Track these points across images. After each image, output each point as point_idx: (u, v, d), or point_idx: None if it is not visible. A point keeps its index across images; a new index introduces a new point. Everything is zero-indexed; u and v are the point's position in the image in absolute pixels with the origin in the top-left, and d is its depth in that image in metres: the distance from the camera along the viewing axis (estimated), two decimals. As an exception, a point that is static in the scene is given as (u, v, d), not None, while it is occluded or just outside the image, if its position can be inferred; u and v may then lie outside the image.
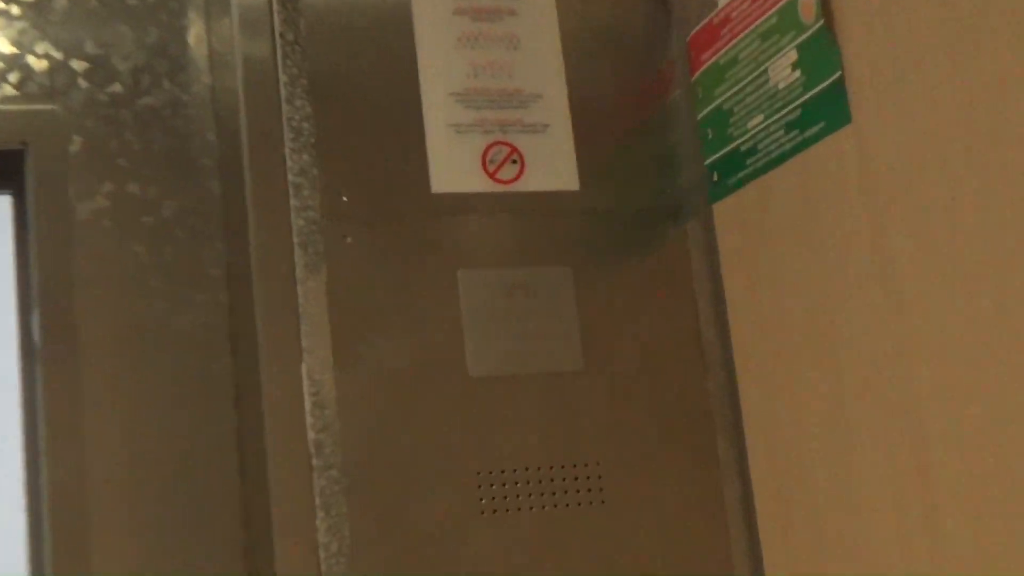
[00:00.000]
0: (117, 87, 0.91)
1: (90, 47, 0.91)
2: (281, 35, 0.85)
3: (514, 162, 0.88)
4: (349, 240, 0.83)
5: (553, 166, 0.89)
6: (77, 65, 0.90)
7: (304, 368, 0.80)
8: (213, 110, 0.95)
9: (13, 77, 0.89)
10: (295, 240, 0.82)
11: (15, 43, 0.89)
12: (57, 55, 0.90)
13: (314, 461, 0.79)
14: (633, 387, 0.87)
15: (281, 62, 0.84)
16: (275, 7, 0.85)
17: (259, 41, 0.85)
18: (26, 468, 0.86)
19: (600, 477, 0.84)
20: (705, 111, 0.89)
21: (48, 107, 0.89)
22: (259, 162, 0.84)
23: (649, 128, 0.94)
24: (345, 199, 0.84)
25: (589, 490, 0.84)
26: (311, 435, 0.79)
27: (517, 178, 0.88)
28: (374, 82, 0.86)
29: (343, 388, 0.80)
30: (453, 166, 0.86)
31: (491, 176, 0.87)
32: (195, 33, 0.95)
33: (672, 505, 0.85)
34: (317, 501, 0.78)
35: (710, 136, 0.88)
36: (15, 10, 0.90)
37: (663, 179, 0.93)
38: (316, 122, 0.84)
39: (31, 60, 0.90)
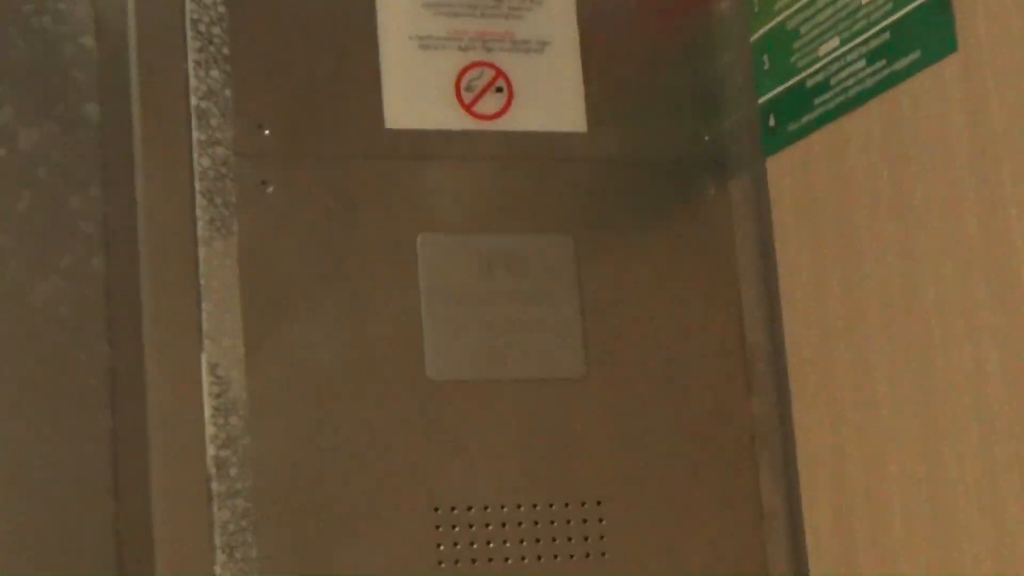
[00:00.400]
0: None
1: None
2: None
3: (499, 90, 0.93)
4: (271, 189, 0.87)
5: (552, 98, 0.94)
6: None
7: (204, 360, 0.84)
8: (91, 5, 1.01)
9: None
10: (197, 186, 0.86)
11: None
12: None
13: (214, 486, 0.82)
14: (650, 402, 0.91)
15: None
16: None
17: None
18: None
19: (602, 521, 0.88)
20: (761, 31, 0.93)
21: None
22: (152, 78, 0.88)
23: (684, 51, 0.99)
24: (267, 132, 0.88)
25: (586, 538, 0.87)
26: (211, 451, 0.82)
27: (503, 112, 0.93)
28: None
29: (256, 389, 0.84)
30: (416, 93, 0.92)
31: (467, 108, 0.92)
32: None
33: (697, 562, 0.88)
34: (217, 540, 0.81)
35: (767, 65, 0.92)
36: None
37: (700, 121, 0.97)
38: (231, 26, 0.88)
39: None
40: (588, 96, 0.94)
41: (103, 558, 0.94)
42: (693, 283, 0.94)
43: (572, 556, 0.86)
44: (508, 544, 0.86)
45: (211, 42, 0.87)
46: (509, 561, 0.86)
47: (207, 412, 0.83)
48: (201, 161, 0.86)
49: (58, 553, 0.94)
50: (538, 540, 0.87)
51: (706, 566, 0.88)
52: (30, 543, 0.94)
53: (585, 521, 0.88)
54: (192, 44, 0.87)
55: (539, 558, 0.86)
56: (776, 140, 0.91)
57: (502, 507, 0.87)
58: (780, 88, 0.90)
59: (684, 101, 0.97)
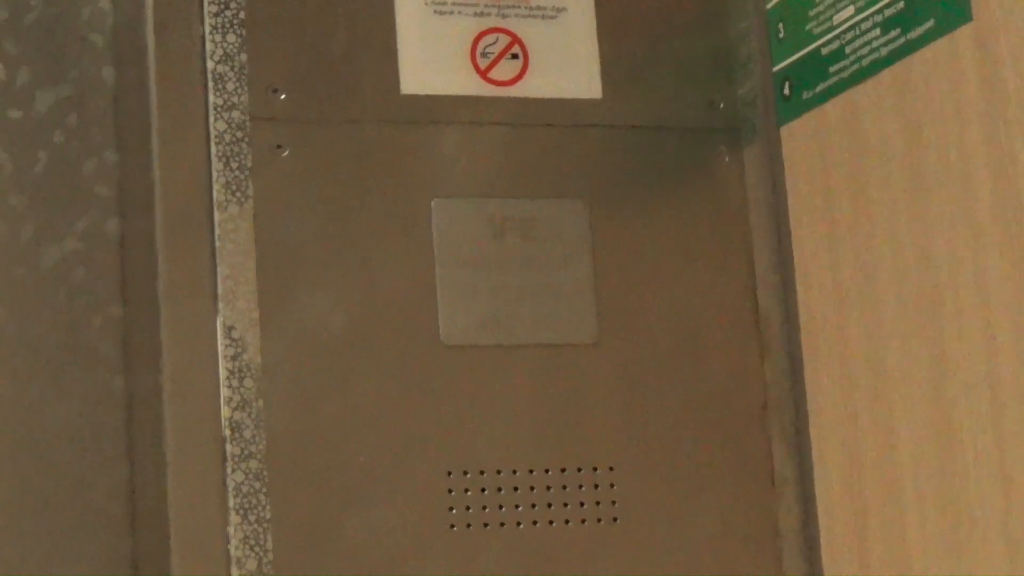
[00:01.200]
0: None
1: None
2: None
3: (514, 56, 0.95)
4: (286, 153, 0.89)
5: (567, 64, 0.96)
6: None
7: (219, 323, 0.86)
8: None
9: None
10: (213, 150, 0.88)
11: None
12: None
13: (229, 447, 0.84)
14: (662, 368, 0.93)
15: None
16: None
17: None
18: None
19: (613, 487, 0.90)
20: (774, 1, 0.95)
21: None
22: (168, 42, 0.90)
23: (699, 18, 1.01)
24: (282, 96, 0.90)
25: (598, 503, 0.89)
26: (226, 412, 0.84)
27: (518, 78, 0.95)
28: None
29: (271, 352, 0.86)
30: (431, 59, 0.94)
31: (483, 74, 0.95)
32: None
33: (708, 529, 0.90)
34: (231, 502, 0.83)
35: (781, 33, 0.94)
36: None
37: (715, 88, 0.99)
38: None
39: None
40: (603, 62, 0.95)
41: (117, 519, 0.96)
42: (706, 249, 0.96)
43: (584, 521, 0.88)
44: (520, 508, 0.88)
45: (227, 6, 0.89)
46: (521, 525, 0.88)
47: (222, 375, 0.85)
48: (216, 125, 0.88)
49: (72, 514, 0.96)
50: (549, 505, 0.89)
51: (717, 532, 0.90)
52: (44, 504, 0.96)
53: (596, 487, 0.90)
54: (208, 8, 0.89)
55: (550, 523, 0.88)
56: (791, 108, 0.92)
57: (514, 471, 0.89)
58: (795, 56, 0.91)
59: (699, 68, 0.99)
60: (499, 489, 0.89)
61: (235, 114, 0.89)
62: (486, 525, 0.89)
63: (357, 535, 0.86)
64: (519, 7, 0.97)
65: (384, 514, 0.87)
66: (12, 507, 0.98)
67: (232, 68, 0.90)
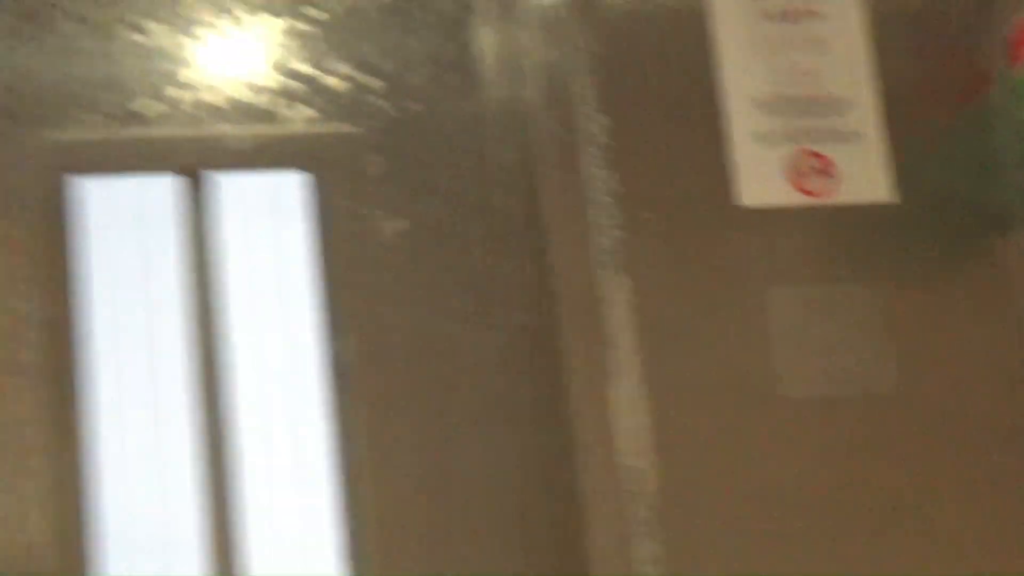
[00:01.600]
0: (412, 104, 1.26)
1: (385, 65, 1.26)
2: (581, 45, 1.13)
3: (823, 172, 1.11)
4: (653, 256, 1.09)
5: (865, 176, 1.12)
6: (373, 83, 1.26)
7: (614, 392, 1.06)
8: (509, 124, 1.26)
9: (311, 98, 1.25)
10: (598, 259, 1.08)
11: (311, 63, 1.26)
12: (353, 74, 1.25)
13: (630, 488, 1.03)
14: (952, 416, 1.09)
15: (580, 74, 1.13)
16: (574, 16, 1.14)
17: (557, 52, 1.15)
18: (338, 484, 1.22)
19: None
20: None
21: (351, 129, 1.27)
22: (559, 179, 1.13)
23: (967, 129, 1.14)
24: (648, 215, 1.10)
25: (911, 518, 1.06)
26: (626, 461, 1.04)
27: (828, 191, 1.12)
28: (672, 92, 1.14)
29: (654, 412, 1.05)
30: (758, 177, 1.11)
31: (800, 188, 1.11)
32: (487, 45, 1.28)
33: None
34: (636, 530, 1.02)
35: None
36: (303, 26, 1.27)
37: (984, 185, 1.13)
38: (615, 136, 1.11)
39: (329, 80, 1.26)
40: (895, 174, 1.11)
41: (540, 547, 1.16)
42: (982, 320, 1.10)
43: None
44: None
45: (601, 149, 1.09)
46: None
47: (619, 431, 1.03)
48: (599, 239, 1.07)
49: (504, 541, 1.17)
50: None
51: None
52: (477, 528, 1.17)
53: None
54: (588, 151, 1.09)
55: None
56: None
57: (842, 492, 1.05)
58: None
59: (969, 169, 1.12)
60: (837, 505, 1.05)
61: (613, 231, 1.07)
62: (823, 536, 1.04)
63: (730, 548, 1.03)
64: (825, 133, 1.10)
65: (749, 530, 1.03)
66: (452, 530, 1.19)
67: (608, 195, 1.08)
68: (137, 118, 1.27)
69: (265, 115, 1.29)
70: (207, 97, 1.28)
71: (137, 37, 1.29)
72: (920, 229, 1.15)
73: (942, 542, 1.09)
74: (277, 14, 1.31)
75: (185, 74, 1.28)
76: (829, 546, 1.08)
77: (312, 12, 1.31)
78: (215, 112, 1.29)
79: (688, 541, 1.06)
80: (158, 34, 1.29)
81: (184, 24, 1.30)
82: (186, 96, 1.29)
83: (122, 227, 1.33)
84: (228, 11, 1.31)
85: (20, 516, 1.17)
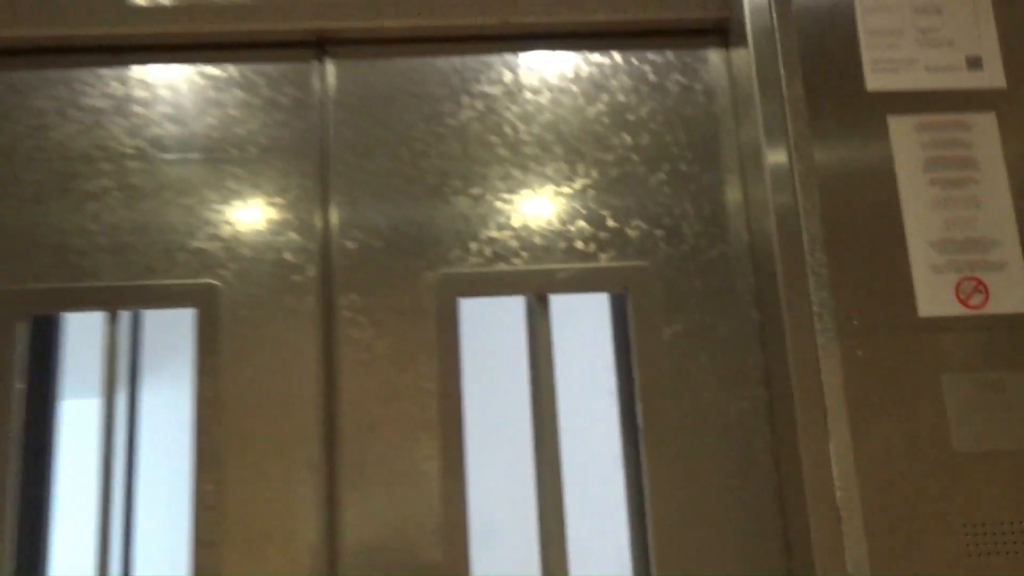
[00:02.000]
0: (684, 247, 1.55)
1: (664, 218, 1.57)
2: (803, 199, 1.39)
3: (980, 292, 1.35)
4: (859, 352, 1.35)
5: (1011, 294, 1.36)
6: (657, 232, 1.56)
7: (831, 445, 1.32)
8: (751, 258, 1.51)
9: (616, 242, 1.56)
10: (820, 354, 1.35)
11: (616, 219, 1.57)
12: (642, 224, 1.56)
13: (842, 513, 1.28)
14: None
15: (804, 219, 1.39)
16: (799, 176, 1.39)
17: (786, 203, 1.41)
18: (632, 514, 1.51)
19: None
20: None
21: (643, 263, 1.54)
22: (791, 299, 1.38)
23: None
24: (855, 323, 1.36)
25: None
26: (839, 494, 1.29)
27: (983, 304, 1.35)
28: (869, 235, 1.40)
29: (859, 459, 1.31)
30: (934, 296, 1.36)
31: (963, 303, 1.35)
32: (734, 201, 1.55)
33: None
34: (848, 543, 1.27)
35: None
36: (607, 194, 1.61)
37: None
38: (831, 263, 1.36)
39: (629, 232, 1.56)
40: None
41: (779, 555, 1.41)
42: None
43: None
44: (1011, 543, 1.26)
45: (820, 276, 1.35)
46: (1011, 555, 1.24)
47: (835, 473, 1.29)
48: (820, 340, 1.34)
49: (752, 553, 1.40)
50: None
51: None
52: (733, 548, 1.41)
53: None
54: (811, 279, 1.35)
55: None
56: None
57: (1000, 523, 1.26)
58: None
59: None
60: (995, 533, 1.25)
61: (829, 334, 1.33)
62: (989, 555, 1.24)
63: (914, 560, 1.25)
64: (980, 264, 1.35)
65: (930, 549, 1.26)
66: (712, 553, 1.41)
67: (825, 310, 1.34)
68: (500, 257, 1.55)
69: (586, 256, 1.55)
70: (541, 242, 1.56)
71: (500, 202, 1.59)
72: None
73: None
74: (596, 187, 1.58)
75: (525, 224, 1.56)
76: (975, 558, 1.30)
77: (613, 172, 1.58)
78: (552, 253, 1.55)
79: (885, 551, 1.30)
80: (510, 195, 1.57)
81: (522, 190, 1.57)
82: (535, 239, 1.55)
83: (489, 332, 1.63)
84: (597, 172, 1.56)
85: (418, 522, 1.42)
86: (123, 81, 1.64)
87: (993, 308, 1.38)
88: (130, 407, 1.70)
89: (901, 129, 1.44)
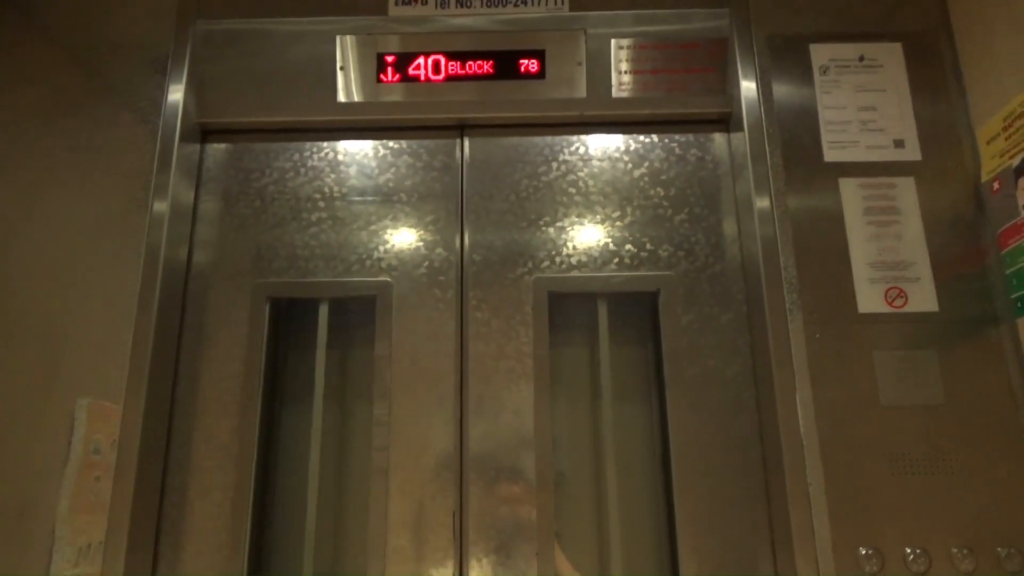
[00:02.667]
0: (697, 263, 1.49)
1: (685, 245, 1.50)
2: (780, 232, 1.37)
3: (901, 297, 1.32)
4: (817, 336, 1.31)
5: (923, 299, 1.32)
6: (679, 253, 1.50)
7: (798, 397, 1.29)
8: (742, 271, 1.47)
9: (652, 259, 1.50)
10: (790, 336, 1.33)
11: (649, 244, 1.55)
12: (671, 249, 1.50)
13: (804, 443, 1.27)
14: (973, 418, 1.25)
15: (780, 245, 1.36)
16: (778, 216, 1.36)
17: (768, 234, 1.37)
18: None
19: None
20: (1012, 269, 1.26)
21: (669, 273, 1.50)
22: (771, 298, 1.35)
23: (975, 275, 1.31)
24: (815, 316, 1.33)
25: None
26: (802, 430, 1.27)
27: (904, 305, 1.32)
28: (823, 257, 1.36)
29: (817, 408, 1.28)
30: (869, 299, 1.33)
31: (889, 304, 1.32)
32: (730, 233, 1.50)
33: None
34: (806, 464, 1.24)
35: (1014, 283, 1.26)
36: (626, 221, 1.59)
37: (985, 303, 1.30)
38: (799, 275, 1.34)
39: (660, 252, 1.51)
40: (936, 297, 1.31)
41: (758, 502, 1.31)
42: (983, 380, 1.25)
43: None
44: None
45: (792, 285, 1.31)
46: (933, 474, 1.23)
47: (800, 422, 1.24)
48: (792, 326, 1.30)
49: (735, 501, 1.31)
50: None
51: None
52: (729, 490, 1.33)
53: None
54: (785, 287, 1.31)
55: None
56: (1021, 311, 1.23)
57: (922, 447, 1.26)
58: (1022, 292, 1.20)
59: (976, 296, 1.30)
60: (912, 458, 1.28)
61: (796, 323, 1.30)
62: (913, 475, 1.27)
63: (854, 489, 1.23)
64: (901, 278, 1.28)
65: (861, 478, 1.23)
66: (710, 500, 1.32)
67: (794, 307, 1.32)
68: (574, 267, 1.51)
69: (631, 267, 1.51)
70: (602, 258, 1.51)
71: (575, 231, 1.54)
72: (951, 324, 1.29)
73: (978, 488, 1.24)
74: (639, 223, 1.51)
75: (591, 246, 1.51)
76: (915, 490, 1.25)
77: (651, 213, 1.53)
78: (609, 265, 1.51)
79: (834, 469, 1.27)
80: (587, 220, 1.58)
81: (589, 224, 1.51)
82: (598, 256, 1.50)
83: (566, 316, 1.56)
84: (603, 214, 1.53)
85: (518, 439, 1.42)
86: (333, 150, 1.63)
87: (910, 308, 1.34)
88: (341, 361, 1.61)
89: (848, 187, 1.40)
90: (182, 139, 1.52)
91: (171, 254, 1.47)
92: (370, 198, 1.58)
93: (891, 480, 1.25)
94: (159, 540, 1.36)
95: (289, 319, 1.59)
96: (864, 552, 1.24)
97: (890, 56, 1.46)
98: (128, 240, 1.43)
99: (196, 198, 1.57)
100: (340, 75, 1.57)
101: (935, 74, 1.46)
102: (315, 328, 1.54)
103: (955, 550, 1.21)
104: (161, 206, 1.46)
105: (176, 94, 1.53)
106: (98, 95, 1.52)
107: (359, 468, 1.51)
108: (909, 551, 1.21)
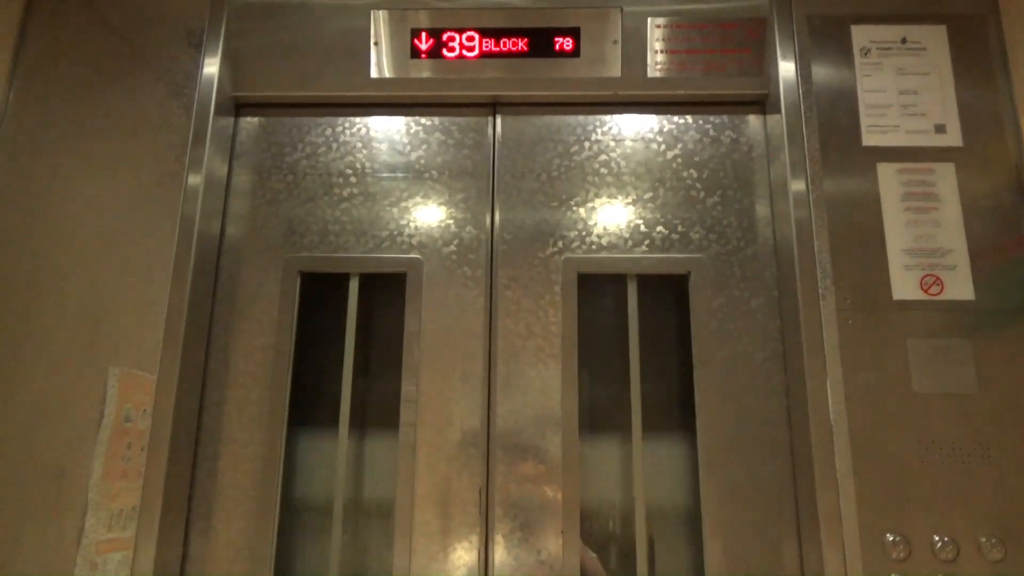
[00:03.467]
0: (729, 246, 1.48)
1: (716, 228, 1.50)
2: (815, 213, 1.35)
3: (937, 284, 1.31)
4: (850, 322, 1.31)
5: (960, 287, 1.31)
6: (712, 236, 1.50)
7: (828, 383, 1.28)
8: (774, 255, 1.47)
9: (683, 241, 1.49)
10: (823, 322, 1.31)
11: (683, 226, 1.52)
12: (703, 232, 1.50)
13: (834, 429, 1.25)
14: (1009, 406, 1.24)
15: (815, 229, 1.35)
16: (813, 197, 1.35)
17: (802, 216, 1.35)
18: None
19: None
20: None
21: (700, 256, 1.49)
22: (804, 283, 1.34)
23: (1014, 264, 1.30)
24: (848, 302, 1.31)
25: None
26: (832, 416, 1.26)
27: (940, 293, 1.31)
28: (859, 243, 1.34)
29: (847, 394, 1.27)
30: (904, 286, 1.32)
31: (925, 292, 1.31)
32: (763, 217, 1.49)
33: None
34: (835, 449, 1.23)
35: None
36: (658, 202, 1.58)
37: (1020, 292, 1.29)
38: (832, 260, 1.32)
39: (691, 234, 1.49)
40: (973, 285, 1.29)
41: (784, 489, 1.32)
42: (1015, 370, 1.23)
43: None
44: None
45: (825, 269, 1.30)
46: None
47: (830, 404, 1.23)
48: (824, 311, 1.28)
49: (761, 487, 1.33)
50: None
51: None
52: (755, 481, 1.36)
53: None
54: (819, 271, 1.30)
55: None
56: None
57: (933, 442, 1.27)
58: None
59: (1014, 284, 1.29)
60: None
61: (829, 308, 1.28)
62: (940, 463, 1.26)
63: (887, 464, 1.24)
64: (939, 266, 1.27)
65: (901, 467, 1.24)
66: (736, 490, 1.33)
67: (828, 291, 1.30)
68: (604, 248, 1.51)
69: (662, 249, 1.51)
70: (633, 239, 1.51)
71: (606, 212, 1.54)
72: (987, 313, 1.29)
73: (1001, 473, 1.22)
74: (671, 205, 1.50)
75: (622, 227, 1.50)
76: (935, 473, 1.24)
77: (683, 195, 1.52)
78: (640, 246, 1.50)
79: (863, 456, 1.27)
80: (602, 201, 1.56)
81: (621, 205, 1.53)
82: (629, 237, 1.50)
83: (595, 297, 1.56)
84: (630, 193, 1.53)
85: (545, 416, 1.43)
86: (366, 125, 1.63)
87: (946, 296, 1.33)
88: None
89: (886, 173, 1.38)
90: (217, 113, 1.52)
91: (205, 228, 1.48)
92: (401, 175, 1.58)
93: (921, 467, 1.25)
94: (191, 507, 1.39)
95: (320, 293, 1.60)
96: (891, 539, 1.24)
97: (934, 39, 1.44)
98: (163, 213, 1.44)
99: (229, 172, 1.58)
100: (374, 50, 1.56)
101: (980, 58, 1.44)
102: (345, 303, 1.55)
103: (984, 539, 1.21)
104: (196, 179, 1.46)
105: (211, 67, 1.53)
106: (134, 68, 1.52)
107: (387, 442, 1.53)
108: (937, 539, 1.22)
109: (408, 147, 1.59)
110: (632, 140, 1.55)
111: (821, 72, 1.43)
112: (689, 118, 1.56)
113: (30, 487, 1.28)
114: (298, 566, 1.49)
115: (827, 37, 1.46)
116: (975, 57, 1.43)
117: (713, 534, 1.34)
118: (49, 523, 1.26)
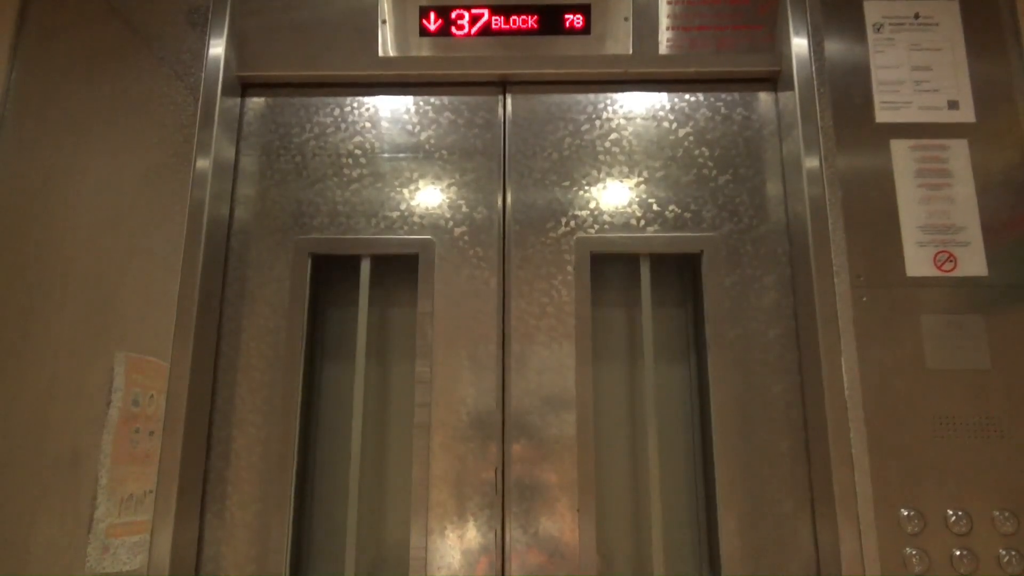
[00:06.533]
0: (741, 224, 1.50)
1: (729, 206, 1.51)
2: (828, 192, 1.35)
3: (951, 261, 1.31)
4: (864, 299, 1.31)
5: (973, 263, 1.31)
6: (724, 214, 1.50)
7: (843, 360, 1.29)
8: (787, 232, 1.46)
9: (696, 219, 1.50)
10: (837, 299, 1.32)
11: (696, 204, 1.53)
12: (715, 210, 1.51)
13: (848, 405, 1.27)
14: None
15: (829, 206, 1.35)
16: (826, 175, 1.35)
17: (816, 194, 1.35)
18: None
19: None
20: None
21: (713, 234, 1.50)
22: (818, 260, 1.34)
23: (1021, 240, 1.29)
24: (862, 279, 1.32)
25: None
26: (847, 393, 1.26)
27: (953, 270, 1.31)
28: (872, 219, 1.35)
29: (862, 371, 1.28)
30: (918, 262, 1.32)
31: (938, 268, 1.32)
32: (775, 195, 1.49)
33: None
34: (850, 427, 1.24)
35: None
36: (670, 181, 1.59)
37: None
38: (846, 237, 1.32)
39: (704, 212, 1.50)
40: (987, 261, 1.29)
41: (797, 463, 1.39)
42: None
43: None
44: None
45: (840, 247, 1.31)
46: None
47: (845, 381, 1.24)
48: (839, 289, 1.29)
49: (774, 463, 1.36)
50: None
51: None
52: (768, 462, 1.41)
53: None
54: (833, 249, 1.31)
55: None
56: None
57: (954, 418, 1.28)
58: None
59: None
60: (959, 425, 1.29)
61: (843, 285, 1.28)
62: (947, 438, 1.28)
63: (901, 444, 1.28)
64: (951, 242, 1.28)
65: (916, 438, 1.24)
66: (750, 463, 1.34)
67: (842, 269, 1.31)
68: (618, 227, 1.52)
69: (675, 227, 1.51)
70: (646, 218, 1.53)
71: (619, 191, 1.55)
72: (1001, 289, 1.30)
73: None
74: (683, 183, 1.50)
75: (636, 206, 1.51)
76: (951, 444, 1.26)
77: (695, 173, 1.53)
78: (652, 225, 1.51)
79: (877, 433, 1.28)
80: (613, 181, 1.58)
81: (633, 184, 1.53)
82: (642, 216, 1.52)
83: (608, 276, 1.58)
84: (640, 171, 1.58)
85: (559, 396, 1.43)
86: (374, 105, 1.63)
87: (959, 272, 1.34)
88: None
89: (899, 149, 1.39)
90: (223, 93, 1.52)
91: (214, 210, 1.49)
92: (411, 155, 1.58)
93: (934, 442, 1.26)
94: (205, 490, 1.40)
95: (330, 275, 1.61)
96: (906, 513, 1.26)
97: (947, 14, 1.45)
98: (171, 195, 1.44)
99: (236, 153, 1.59)
100: (381, 29, 1.57)
101: (993, 34, 1.45)
102: (356, 284, 1.56)
103: (997, 513, 1.23)
104: (204, 162, 1.47)
105: (217, 48, 1.53)
106: (138, 48, 1.52)
107: (401, 423, 1.55)
108: (951, 512, 1.24)
109: (418, 127, 1.59)
110: (643, 118, 1.55)
111: (834, 48, 1.44)
112: (700, 96, 1.57)
113: (46, 471, 1.29)
114: (314, 547, 1.51)
115: (840, 13, 1.47)
116: (988, 33, 1.43)
117: (728, 510, 1.36)
118: (66, 507, 1.28)
